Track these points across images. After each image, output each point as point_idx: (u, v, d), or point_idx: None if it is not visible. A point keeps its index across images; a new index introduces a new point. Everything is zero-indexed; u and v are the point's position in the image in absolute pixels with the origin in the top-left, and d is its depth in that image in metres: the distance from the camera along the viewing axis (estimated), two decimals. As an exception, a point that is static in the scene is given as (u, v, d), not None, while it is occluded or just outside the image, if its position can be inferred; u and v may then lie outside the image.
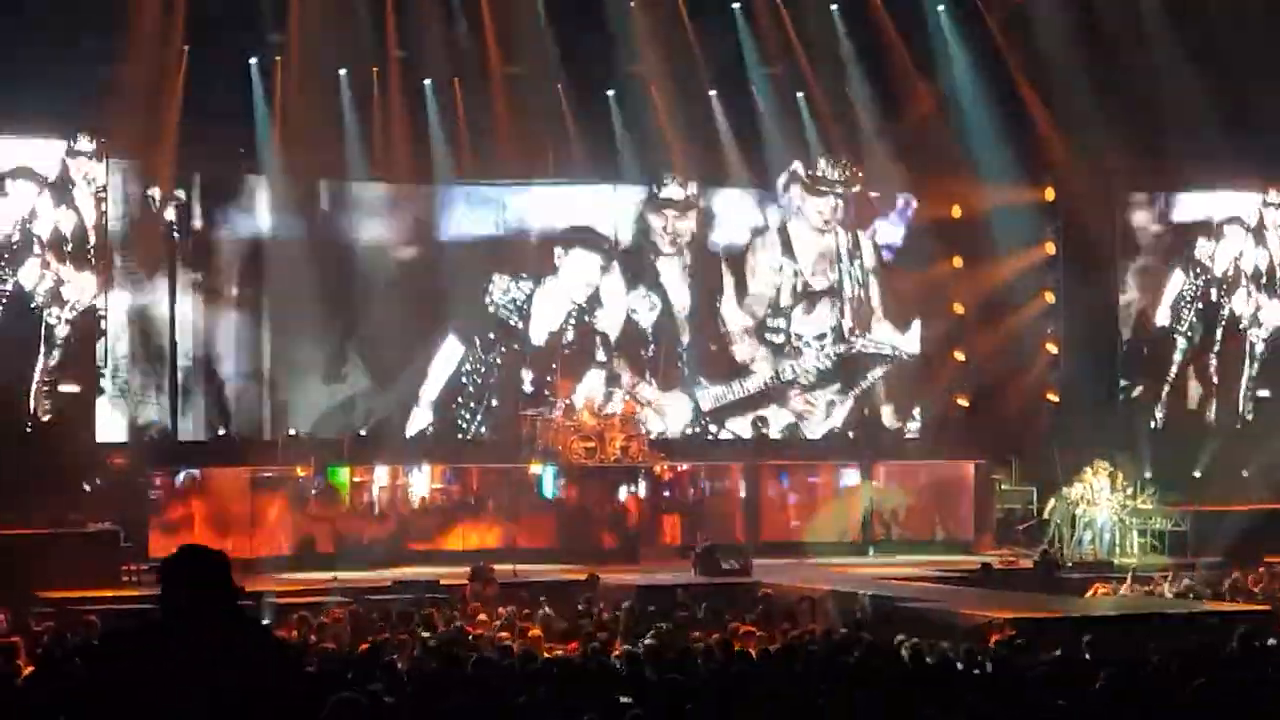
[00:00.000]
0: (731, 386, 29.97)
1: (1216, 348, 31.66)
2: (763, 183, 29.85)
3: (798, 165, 29.76)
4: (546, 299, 29.15)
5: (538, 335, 29.14)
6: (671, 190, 29.36)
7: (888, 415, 30.89)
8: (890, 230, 30.61)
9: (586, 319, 29.32)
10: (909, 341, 31.01)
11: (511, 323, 28.91)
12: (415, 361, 28.82)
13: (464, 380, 28.95)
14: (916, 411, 31.05)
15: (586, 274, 29.33)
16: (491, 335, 28.91)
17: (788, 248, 29.78)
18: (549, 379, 29.24)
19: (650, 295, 29.58)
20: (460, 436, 29.23)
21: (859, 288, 29.92)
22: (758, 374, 30.03)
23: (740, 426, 29.81)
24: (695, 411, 29.96)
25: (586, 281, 29.33)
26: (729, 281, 29.96)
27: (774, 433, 29.88)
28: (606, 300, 29.50)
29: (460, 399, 29.13)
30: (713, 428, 30.04)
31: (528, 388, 29.33)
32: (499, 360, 28.86)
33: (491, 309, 28.93)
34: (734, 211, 30.09)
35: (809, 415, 29.89)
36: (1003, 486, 29.82)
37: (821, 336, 29.91)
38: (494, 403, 29.23)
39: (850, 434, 30.56)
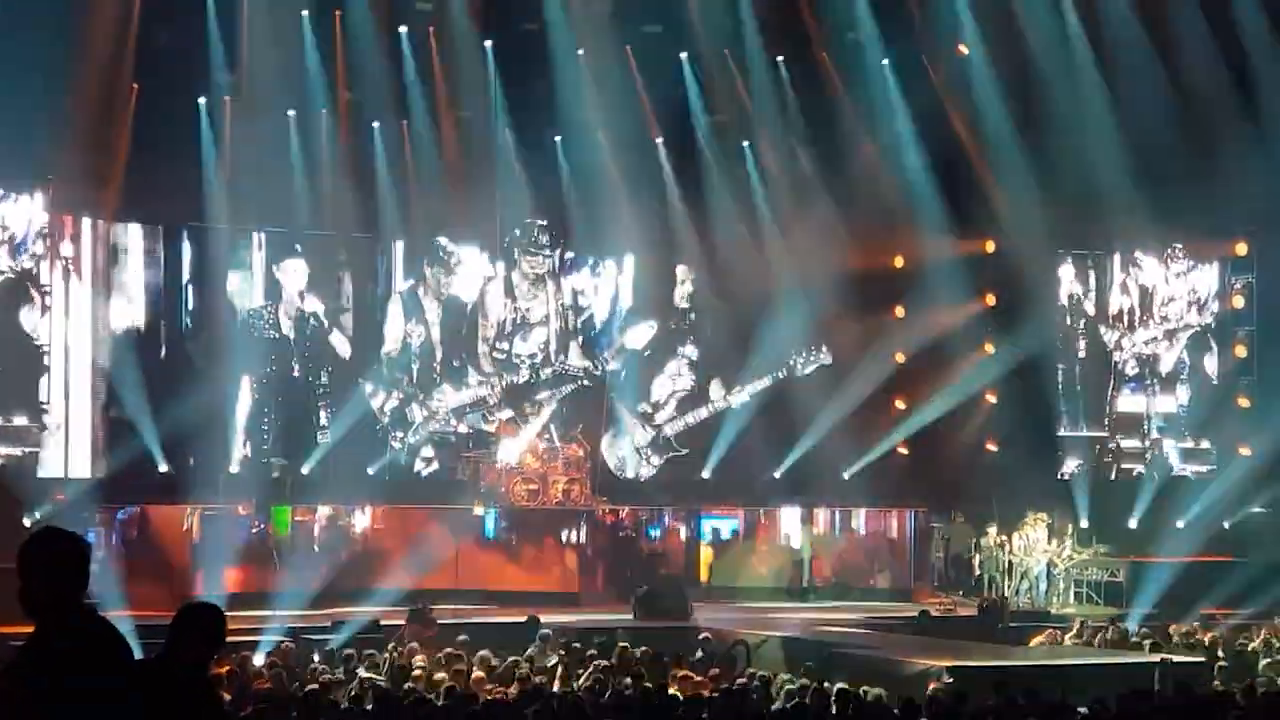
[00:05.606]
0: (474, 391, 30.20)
1: (1145, 401, 32.10)
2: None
3: (517, 230, 30.01)
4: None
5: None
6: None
7: (830, 461, 30.91)
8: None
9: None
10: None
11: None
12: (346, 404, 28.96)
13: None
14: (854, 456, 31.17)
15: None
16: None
17: (510, 290, 30.30)
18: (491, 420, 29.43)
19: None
20: (403, 477, 29.25)
21: (560, 320, 30.71)
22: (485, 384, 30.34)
23: (474, 420, 29.94)
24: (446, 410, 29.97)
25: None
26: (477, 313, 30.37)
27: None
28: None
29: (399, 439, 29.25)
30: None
31: (465, 429, 29.46)
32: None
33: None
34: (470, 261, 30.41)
35: (524, 415, 29.95)
36: (941, 535, 30.03)
37: (533, 356, 30.36)
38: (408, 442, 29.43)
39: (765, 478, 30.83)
